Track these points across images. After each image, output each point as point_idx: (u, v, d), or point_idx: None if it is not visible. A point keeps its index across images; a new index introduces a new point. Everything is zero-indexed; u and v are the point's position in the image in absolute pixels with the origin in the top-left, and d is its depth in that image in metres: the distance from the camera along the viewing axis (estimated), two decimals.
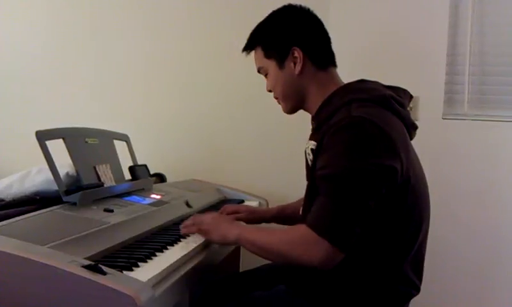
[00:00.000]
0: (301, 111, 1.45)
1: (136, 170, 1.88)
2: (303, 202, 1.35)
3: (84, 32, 2.46)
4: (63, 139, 1.50)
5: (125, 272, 1.03)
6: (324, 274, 1.26)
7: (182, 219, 1.61)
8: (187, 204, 1.78)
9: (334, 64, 1.42)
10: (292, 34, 1.38)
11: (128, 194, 1.67)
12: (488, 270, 2.18)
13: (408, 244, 1.28)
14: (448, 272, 2.19)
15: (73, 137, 1.56)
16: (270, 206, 2.09)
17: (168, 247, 1.28)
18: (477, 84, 2.20)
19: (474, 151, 2.17)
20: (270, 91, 1.45)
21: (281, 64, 1.38)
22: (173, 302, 1.12)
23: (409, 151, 1.28)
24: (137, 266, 1.10)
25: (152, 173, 2.02)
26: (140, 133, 2.17)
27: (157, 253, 1.21)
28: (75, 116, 2.41)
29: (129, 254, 1.18)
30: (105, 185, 1.59)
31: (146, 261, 1.14)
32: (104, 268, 0.94)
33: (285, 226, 1.49)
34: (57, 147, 1.46)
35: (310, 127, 1.42)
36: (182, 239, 1.38)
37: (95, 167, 1.60)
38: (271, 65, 1.40)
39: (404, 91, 1.40)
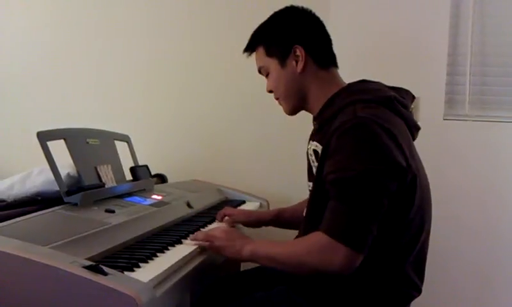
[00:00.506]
0: (301, 112, 1.45)
1: (137, 171, 1.88)
2: (306, 204, 1.34)
3: (86, 33, 2.46)
4: (64, 139, 1.50)
5: (126, 272, 1.03)
6: (325, 275, 1.26)
7: (183, 220, 1.62)
8: (188, 205, 1.78)
9: (336, 65, 1.42)
10: (294, 32, 1.38)
11: (129, 194, 1.67)
12: (489, 271, 2.18)
13: (410, 245, 1.27)
14: (449, 273, 2.18)
15: (75, 138, 1.56)
16: (271, 207, 2.09)
17: (169, 247, 1.29)
18: (478, 85, 2.20)
19: (475, 151, 2.17)
20: (270, 91, 1.45)
21: (282, 62, 1.38)
22: (174, 302, 1.12)
23: (413, 152, 1.28)
24: (138, 266, 1.10)
25: (153, 173, 2.02)
26: (141, 134, 2.17)
27: (158, 254, 1.21)
28: (76, 116, 2.42)
29: (130, 254, 1.18)
30: (106, 186, 1.59)
31: (147, 262, 1.14)
32: (105, 268, 0.94)
33: (295, 239, 1.46)
34: (58, 148, 1.47)
35: (311, 128, 1.42)
36: (183, 240, 1.37)
37: (96, 168, 1.60)
38: (273, 64, 1.40)
39: (407, 92, 1.40)
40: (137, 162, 1.94)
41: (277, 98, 1.45)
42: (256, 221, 1.70)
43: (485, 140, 2.17)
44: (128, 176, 1.85)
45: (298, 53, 1.36)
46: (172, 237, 1.37)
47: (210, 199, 2.01)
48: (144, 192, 1.78)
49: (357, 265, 1.15)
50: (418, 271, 1.32)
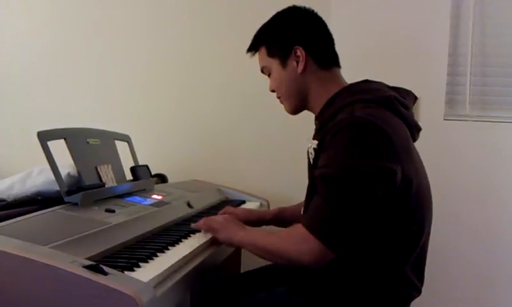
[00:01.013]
0: (302, 112, 1.45)
1: (137, 170, 1.88)
2: (304, 202, 1.35)
3: (86, 33, 2.46)
4: (65, 139, 1.50)
5: (126, 272, 1.03)
6: (325, 276, 1.26)
7: (183, 220, 1.62)
8: (189, 205, 1.78)
9: (338, 65, 1.42)
10: (295, 33, 1.38)
11: (129, 194, 1.67)
12: (489, 271, 2.18)
13: (410, 247, 1.27)
14: (449, 273, 2.18)
15: (75, 138, 1.56)
16: (271, 207, 2.09)
17: (169, 247, 1.28)
18: (478, 85, 2.20)
19: (475, 152, 2.17)
20: (273, 91, 1.46)
21: (284, 62, 1.39)
22: (174, 302, 1.12)
23: (411, 153, 1.28)
24: (139, 266, 1.10)
25: (153, 173, 2.02)
26: (141, 134, 2.17)
27: (159, 254, 1.21)
28: (76, 116, 2.42)
29: (130, 254, 1.18)
30: (106, 186, 1.59)
31: (147, 262, 1.14)
32: (105, 268, 0.94)
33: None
34: (58, 147, 1.46)
35: (312, 127, 1.42)
36: (183, 240, 1.38)
37: (96, 168, 1.60)
38: (274, 64, 1.41)
39: (408, 93, 1.40)
40: (138, 162, 1.94)
41: (279, 98, 1.45)
42: (257, 220, 1.70)
43: (485, 140, 2.17)
44: (129, 176, 1.85)
45: (299, 54, 1.36)
46: (172, 237, 1.37)
47: (211, 199, 2.01)
48: (145, 192, 1.78)
49: (327, 260, 1.17)
50: (418, 272, 1.32)
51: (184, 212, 1.70)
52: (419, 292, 1.32)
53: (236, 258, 2.05)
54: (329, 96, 1.35)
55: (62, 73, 2.48)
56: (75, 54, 2.47)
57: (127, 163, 1.85)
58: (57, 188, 1.42)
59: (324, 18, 1.43)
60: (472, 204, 2.18)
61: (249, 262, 1.74)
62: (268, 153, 2.36)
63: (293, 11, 1.43)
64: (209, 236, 1.41)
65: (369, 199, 1.17)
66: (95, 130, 1.72)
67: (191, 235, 1.43)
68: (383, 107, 1.26)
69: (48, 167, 1.41)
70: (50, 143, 1.41)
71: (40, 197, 1.50)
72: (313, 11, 1.42)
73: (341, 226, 1.16)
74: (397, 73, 1.92)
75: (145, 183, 1.85)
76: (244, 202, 2.09)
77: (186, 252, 1.25)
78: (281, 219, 1.69)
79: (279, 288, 1.38)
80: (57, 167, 1.41)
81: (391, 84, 1.38)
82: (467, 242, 2.18)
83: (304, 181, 1.40)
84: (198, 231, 1.46)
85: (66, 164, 1.48)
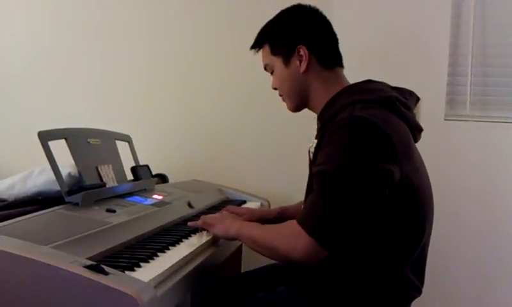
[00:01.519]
0: (303, 111, 1.46)
1: (138, 170, 1.88)
2: (303, 201, 1.35)
3: (86, 33, 2.46)
4: (65, 139, 1.51)
5: (126, 272, 1.03)
6: (326, 276, 1.26)
7: (184, 220, 1.62)
8: (189, 205, 1.78)
9: (341, 65, 1.42)
10: (298, 32, 1.38)
11: (130, 194, 1.67)
12: (489, 271, 2.18)
13: (410, 247, 1.27)
14: (449, 273, 2.18)
15: (76, 138, 1.56)
16: (272, 207, 2.09)
17: (170, 247, 1.28)
18: (479, 85, 2.20)
19: (476, 152, 2.17)
20: (275, 89, 1.46)
21: (286, 61, 1.39)
22: (174, 302, 1.12)
23: (412, 154, 1.27)
24: (139, 266, 1.10)
25: (153, 173, 2.02)
26: (142, 134, 2.17)
27: (159, 253, 1.21)
28: (77, 116, 2.42)
29: (131, 254, 1.18)
30: (107, 186, 1.59)
31: (148, 262, 1.14)
32: (106, 268, 0.94)
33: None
34: (59, 147, 1.46)
35: (312, 127, 1.42)
36: (184, 239, 1.38)
37: (97, 168, 1.60)
38: (277, 62, 1.41)
39: (411, 93, 1.40)
40: (138, 162, 1.94)
41: (281, 95, 1.46)
42: (259, 219, 1.70)
43: (486, 140, 2.17)
44: (129, 176, 1.85)
45: (302, 53, 1.37)
46: (173, 237, 1.37)
47: (211, 199, 2.01)
48: (145, 192, 1.78)
49: (319, 258, 1.17)
50: (419, 272, 1.32)
51: (185, 212, 1.70)
52: (419, 292, 1.32)
53: (237, 257, 2.05)
54: (330, 96, 1.34)
55: (62, 73, 2.48)
56: (76, 53, 2.47)
57: (127, 163, 1.86)
58: (58, 188, 1.42)
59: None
60: (472, 204, 2.18)
61: (250, 262, 1.74)
62: (268, 153, 2.36)
63: (298, 9, 1.42)
64: (210, 236, 1.41)
65: (365, 199, 1.16)
66: (96, 130, 1.72)
67: (192, 234, 1.43)
68: (384, 107, 1.26)
69: (49, 167, 1.41)
70: (50, 143, 1.41)
71: (40, 197, 1.50)
72: (318, 10, 1.42)
73: (335, 224, 1.16)
74: (398, 73, 1.92)
75: (146, 183, 1.85)
76: (244, 202, 2.09)
77: (187, 252, 1.25)
78: (284, 217, 1.68)
79: (279, 287, 1.38)
80: (58, 167, 1.41)
81: (391, 84, 1.37)
82: (467, 242, 2.18)
83: (304, 181, 1.40)
84: (198, 230, 1.46)
85: (67, 164, 1.48)
